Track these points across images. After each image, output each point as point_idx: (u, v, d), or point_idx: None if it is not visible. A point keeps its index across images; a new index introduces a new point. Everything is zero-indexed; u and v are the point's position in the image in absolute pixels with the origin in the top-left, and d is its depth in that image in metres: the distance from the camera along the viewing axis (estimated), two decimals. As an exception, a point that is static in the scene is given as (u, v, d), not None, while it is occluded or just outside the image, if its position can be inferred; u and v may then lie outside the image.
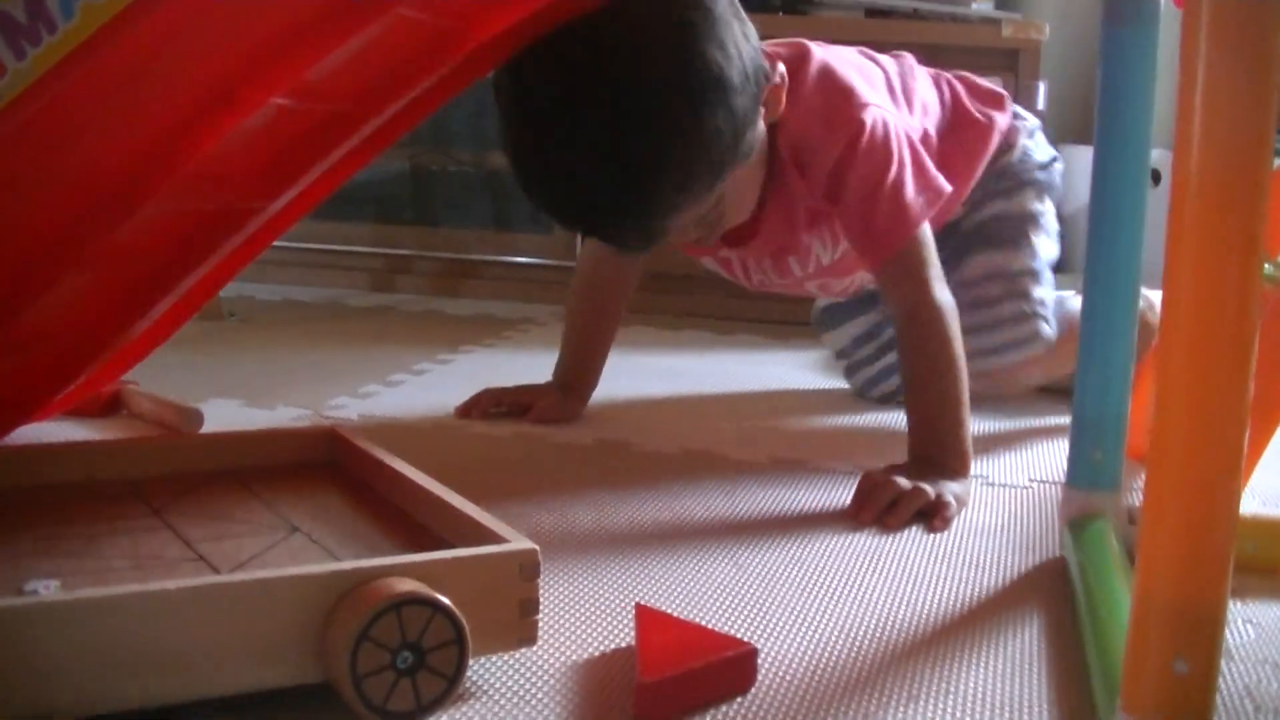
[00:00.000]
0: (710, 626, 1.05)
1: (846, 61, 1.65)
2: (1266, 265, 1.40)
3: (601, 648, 1.01)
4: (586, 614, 1.08)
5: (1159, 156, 2.13)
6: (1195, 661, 0.75)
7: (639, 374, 2.07)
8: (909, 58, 1.82)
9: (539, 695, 0.93)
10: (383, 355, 2.14)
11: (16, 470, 1.14)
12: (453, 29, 1.19)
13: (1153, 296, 1.65)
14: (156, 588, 0.82)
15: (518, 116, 1.38)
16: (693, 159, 1.33)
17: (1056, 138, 2.68)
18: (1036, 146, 1.89)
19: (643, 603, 1.08)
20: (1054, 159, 1.91)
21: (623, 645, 1.02)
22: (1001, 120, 1.83)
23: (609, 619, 1.07)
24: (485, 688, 0.93)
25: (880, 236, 1.52)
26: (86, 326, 1.25)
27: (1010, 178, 1.86)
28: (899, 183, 1.51)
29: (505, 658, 0.98)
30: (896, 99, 1.69)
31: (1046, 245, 1.88)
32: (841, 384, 2.01)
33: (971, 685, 0.97)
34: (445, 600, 0.87)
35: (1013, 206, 1.86)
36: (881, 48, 2.45)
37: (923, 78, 1.80)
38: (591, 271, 1.82)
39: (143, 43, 0.93)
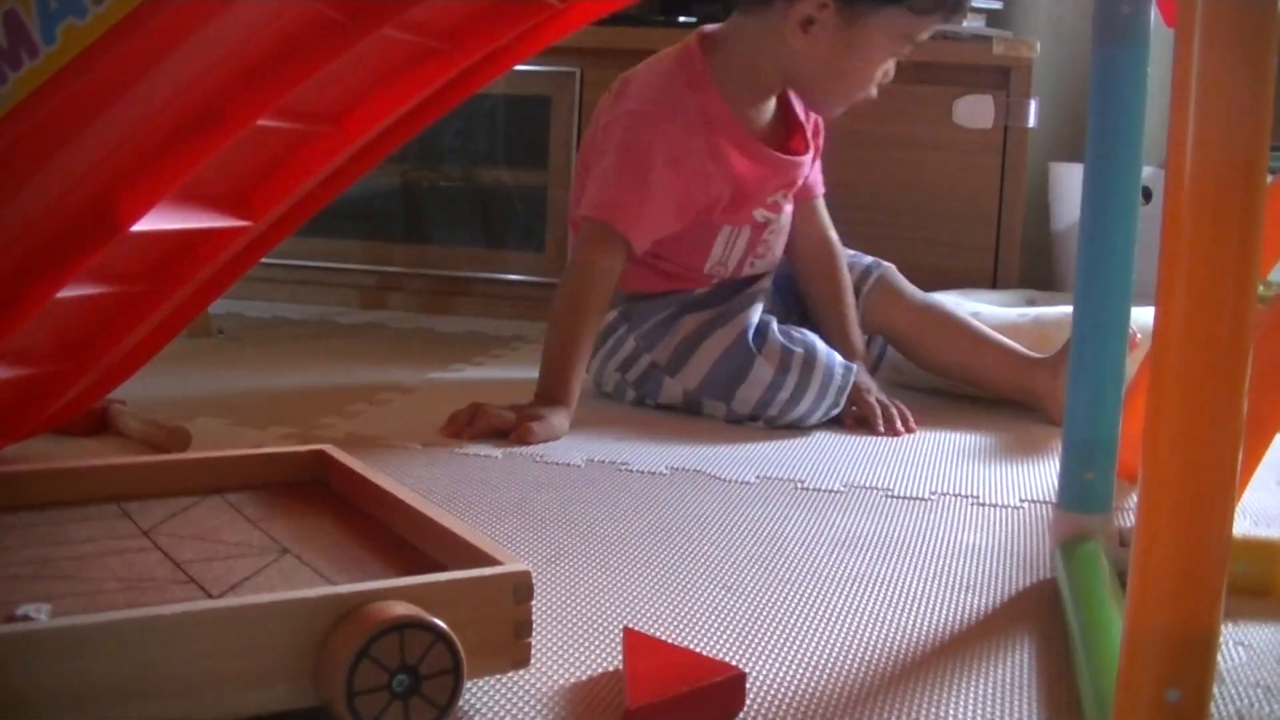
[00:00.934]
0: (700, 650, 1.05)
1: None
2: (1259, 284, 1.40)
3: (590, 671, 1.01)
4: (575, 637, 1.08)
5: (1150, 174, 2.14)
6: (1188, 690, 0.75)
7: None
8: None
9: (528, 718, 0.92)
10: (372, 373, 2.13)
11: (5, 491, 1.13)
12: (438, 50, 1.19)
13: (1144, 316, 1.65)
14: (151, 613, 0.82)
15: None
16: None
17: (1048, 155, 2.69)
18: None
19: (631, 626, 1.08)
20: None
21: (611, 669, 1.01)
22: None
23: (598, 642, 1.07)
24: (474, 710, 0.93)
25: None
26: (71, 346, 1.25)
27: None
28: None
29: (495, 680, 0.97)
30: None
31: None
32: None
33: (962, 709, 0.97)
34: (447, 629, 0.87)
35: None
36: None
37: None
38: (585, 288, 1.83)
39: (127, 65, 0.92)
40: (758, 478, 1.60)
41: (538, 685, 0.97)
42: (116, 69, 0.93)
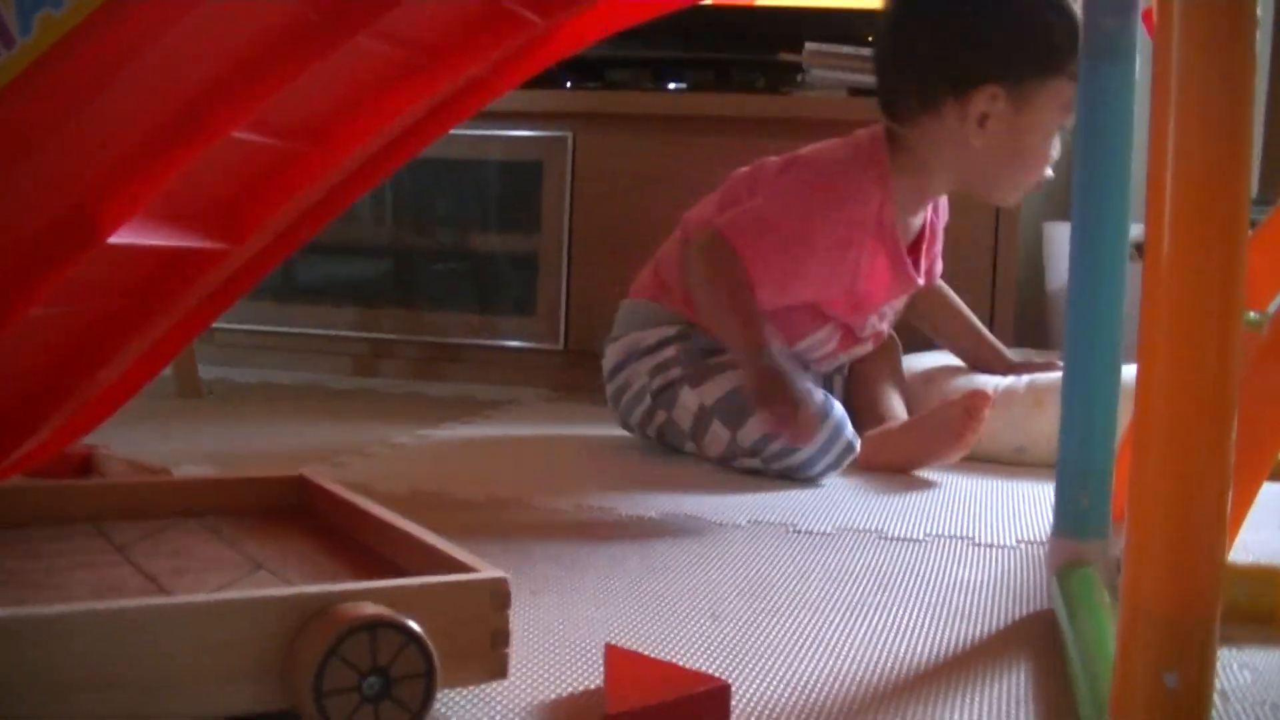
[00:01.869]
0: (687, 667, 1.02)
1: None
2: (1252, 313, 1.38)
3: (570, 688, 0.98)
4: (556, 655, 1.05)
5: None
6: (1187, 673, 0.72)
7: (624, 442, 2.05)
8: None
9: (507, 728, 0.90)
10: (361, 430, 2.11)
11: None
12: (418, 66, 1.18)
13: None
14: (113, 606, 0.79)
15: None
16: None
17: (1041, 216, 2.68)
18: None
19: (614, 643, 1.05)
20: None
21: (592, 686, 0.98)
22: None
23: (580, 661, 1.04)
24: (451, 721, 0.90)
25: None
26: (49, 369, 1.22)
27: None
28: None
29: (470, 692, 0.94)
30: None
31: None
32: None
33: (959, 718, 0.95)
34: (420, 631, 0.84)
35: None
36: (864, 127, 2.47)
37: None
38: (728, 270, 1.87)
39: (104, 57, 0.90)
40: (748, 521, 1.57)
41: (515, 698, 0.95)
42: (92, 64, 0.91)
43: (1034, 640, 1.16)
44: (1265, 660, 1.12)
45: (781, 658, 1.07)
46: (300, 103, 1.11)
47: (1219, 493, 0.72)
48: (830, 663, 1.07)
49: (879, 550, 1.45)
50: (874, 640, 1.13)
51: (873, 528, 1.56)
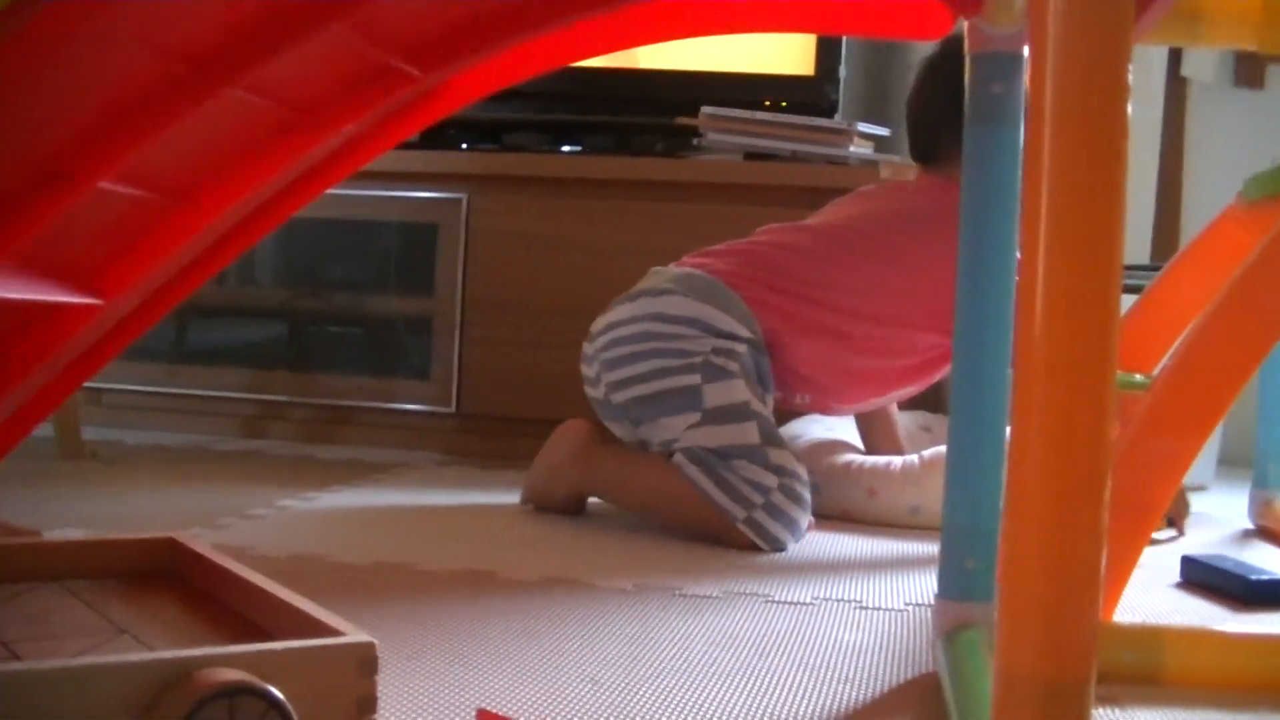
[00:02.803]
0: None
1: None
2: (1138, 375, 1.39)
3: (446, 755, 0.96)
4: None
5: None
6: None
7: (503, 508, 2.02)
8: None
9: (374, 799, 0.87)
10: (245, 493, 2.07)
11: None
12: (298, 124, 1.16)
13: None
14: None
15: None
16: None
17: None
18: None
19: (485, 708, 1.02)
20: None
21: (469, 753, 0.96)
22: None
23: (455, 727, 1.01)
24: (316, 791, 0.87)
25: None
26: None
27: None
28: None
29: (340, 762, 0.91)
30: None
31: None
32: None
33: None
34: (281, 697, 0.82)
35: None
36: (761, 191, 2.48)
37: None
38: None
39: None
40: (633, 586, 1.55)
41: (385, 766, 0.92)
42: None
43: (918, 704, 1.14)
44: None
45: (661, 724, 1.05)
46: (174, 156, 1.09)
47: (1092, 555, 0.71)
48: (710, 729, 1.05)
49: (765, 614, 1.43)
50: (756, 706, 1.11)
51: (759, 591, 1.54)
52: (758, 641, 1.32)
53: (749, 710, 1.10)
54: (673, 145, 2.75)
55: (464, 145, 2.75)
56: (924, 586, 1.60)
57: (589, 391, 2.02)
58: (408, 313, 2.73)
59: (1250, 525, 2.13)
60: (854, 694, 1.16)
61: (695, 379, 1.88)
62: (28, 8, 0.85)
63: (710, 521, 1.82)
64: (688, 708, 1.10)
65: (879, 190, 2.17)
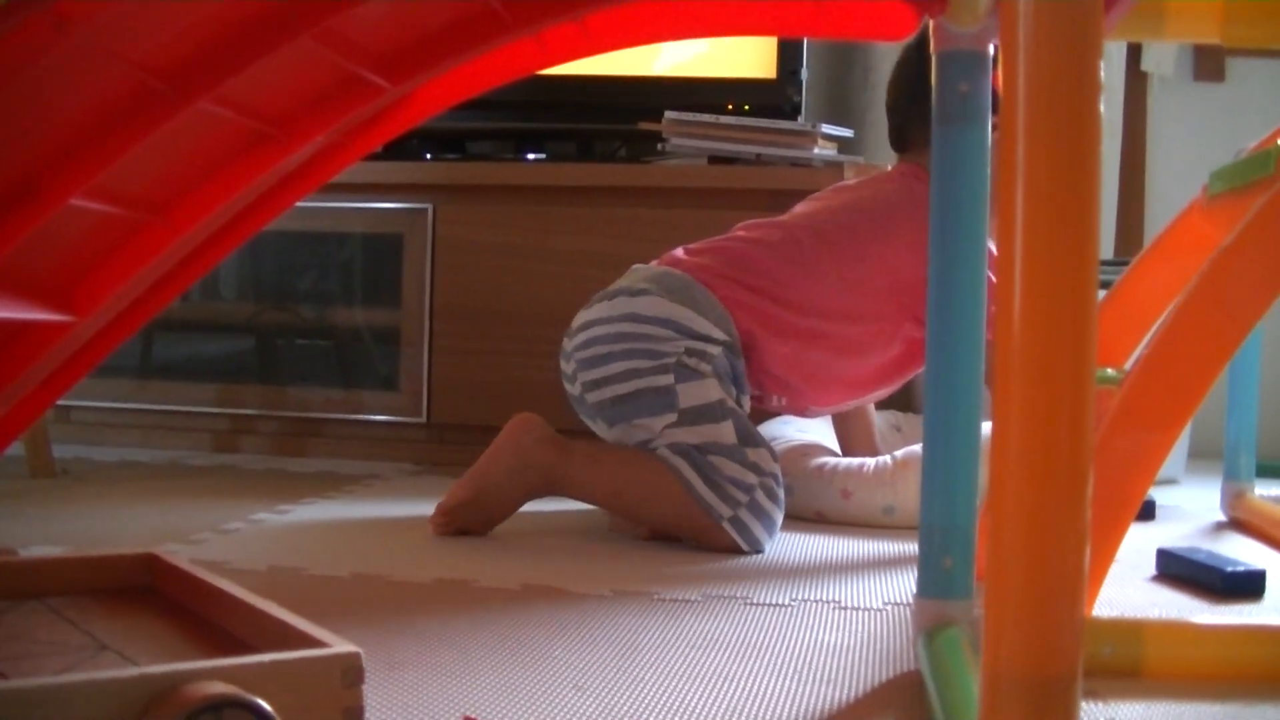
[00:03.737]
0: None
1: None
2: (1109, 370, 1.40)
3: (433, 764, 0.96)
4: (418, 732, 1.02)
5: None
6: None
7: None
8: None
9: (363, 809, 0.87)
10: (220, 507, 2.06)
11: None
12: (268, 136, 1.16)
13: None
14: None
15: None
16: None
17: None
18: None
19: (471, 716, 1.02)
20: None
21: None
22: None
23: (442, 737, 1.01)
24: (305, 804, 0.87)
25: None
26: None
27: None
28: None
29: (328, 774, 0.91)
30: None
31: None
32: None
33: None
34: (269, 709, 0.82)
35: None
36: (726, 194, 2.48)
37: None
38: None
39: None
40: (612, 591, 1.55)
41: (373, 777, 0.92)
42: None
43: (900, 703, 1.15)
44: (1130, 713, 1.12)
45: (646, 728, 1.06)
46: (145, 171, 1.08)
47: (1076, 550, 0.72)
48: (695, 732, 1.05)
49: (744, 616, 1.44)
50: (742, 708, 1.12)
51: (737, 594, 1.54)
52: (739, 644, 1.32)
53: (735, 713, 1.10)
54: (637, 151, 2.76)
55: (428, 155, 2.75)
56: (902, 586, 1.61)
57: (567, 388, 2.02)
58: (376, 324, 2.73)
59: (1223, 517, 2.15)
60: (837, 694, 1.17)
61: (669, 379, 1.88)
62: (3, 23, 0.85)
63: (691, 519, 1.82)
64: (674, 712, 1.10)
65: (854, 183, 2.17)
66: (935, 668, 1.12)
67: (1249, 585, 1.57)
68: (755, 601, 1.51)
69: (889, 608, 1.50)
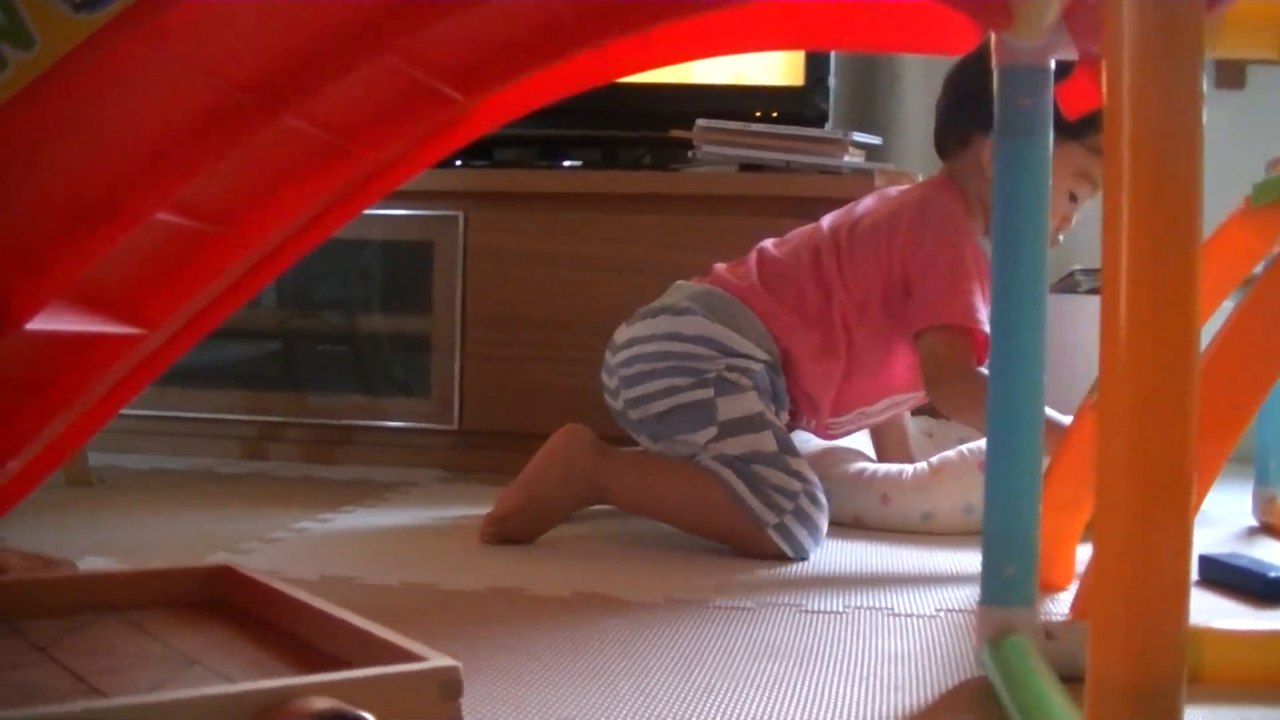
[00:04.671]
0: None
1: None
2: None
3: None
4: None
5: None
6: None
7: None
8: None
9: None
10: (260, 516, 2.07)
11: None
12: (340, 148, 1.17)
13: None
14: (53, 711, 0.76)
15: None
16: None
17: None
18: None
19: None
20: None
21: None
22: None
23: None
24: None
25: None
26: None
27: None
28: None
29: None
30: None
31: None
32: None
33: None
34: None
35: None
36: (755, 202, 2.49)
37: None
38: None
39: (21, 142, 0.88)
40: (664, 599, 1.56)
41: (466, 787, 0.93)
42: (7, 148, 0.89)
43: (968, 709, 1.16)
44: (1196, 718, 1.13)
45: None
46: (217, 184, 1.10)
47: (1180, 556, 0.73)
48: (773, 740, 1.06)
49: (801, 624, 1.45)
50: (812, 716, 1.13)
51: (791, 601, 1.55)
52: (799, 651, 1.33)
53: (806, 718, 1.12)
54: (667, 158, 2.77)
55: (458, 162, 2.75)
56: (951, 592, 1.62)
57: (609, 402, 2.03)
58: (406, 331, 2.74)
59: (1254, 522, 2.15)
60: (905, 700, 1.18)
61: (708, 393, 1.89)
62: (103, 42, 0.86)
63: (739, 527, 1.83)
64: (746, 718, 1.11)
65: (896, 192, 2.17)
66: (1005, 674, 1.13)
67: (1294, 591, 1.59)
68: (809, 609, 1.52)
69: (942, 614, 1.50)
